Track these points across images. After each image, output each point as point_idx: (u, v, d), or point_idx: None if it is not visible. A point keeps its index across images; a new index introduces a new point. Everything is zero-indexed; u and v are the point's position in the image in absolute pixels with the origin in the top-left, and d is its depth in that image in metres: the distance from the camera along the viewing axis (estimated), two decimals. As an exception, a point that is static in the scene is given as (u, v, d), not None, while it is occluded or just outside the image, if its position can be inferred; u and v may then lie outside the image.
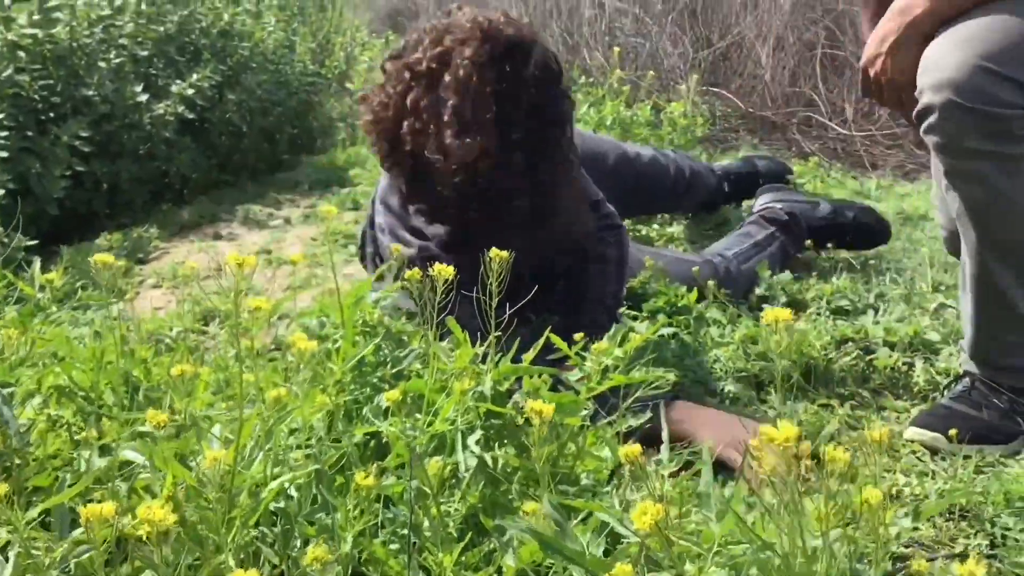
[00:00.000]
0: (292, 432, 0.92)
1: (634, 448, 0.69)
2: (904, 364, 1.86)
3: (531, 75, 1.68)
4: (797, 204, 2.46)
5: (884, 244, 2.46)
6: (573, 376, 1.01)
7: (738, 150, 3.50)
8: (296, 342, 0.88)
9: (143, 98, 2.98)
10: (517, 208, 1.68)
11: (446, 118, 1.62)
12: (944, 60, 1.38)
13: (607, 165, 2.30)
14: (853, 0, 4.29)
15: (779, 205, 2.44)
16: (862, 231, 2.43)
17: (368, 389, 0.98)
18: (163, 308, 2.29)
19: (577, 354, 1.06)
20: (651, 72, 3.46)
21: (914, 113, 1.43)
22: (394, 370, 0.99)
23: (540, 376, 0.99)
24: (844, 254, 2.46)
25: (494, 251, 1.04)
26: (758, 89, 4.09)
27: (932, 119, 1.39)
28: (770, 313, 0.77)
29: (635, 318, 2.02)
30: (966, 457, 1.49)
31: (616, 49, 3.60)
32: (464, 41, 1.66)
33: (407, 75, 1.69)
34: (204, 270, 2.54)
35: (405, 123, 1.68)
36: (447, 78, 1.64)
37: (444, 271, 1.01)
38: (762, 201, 2.51)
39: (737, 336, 1.88)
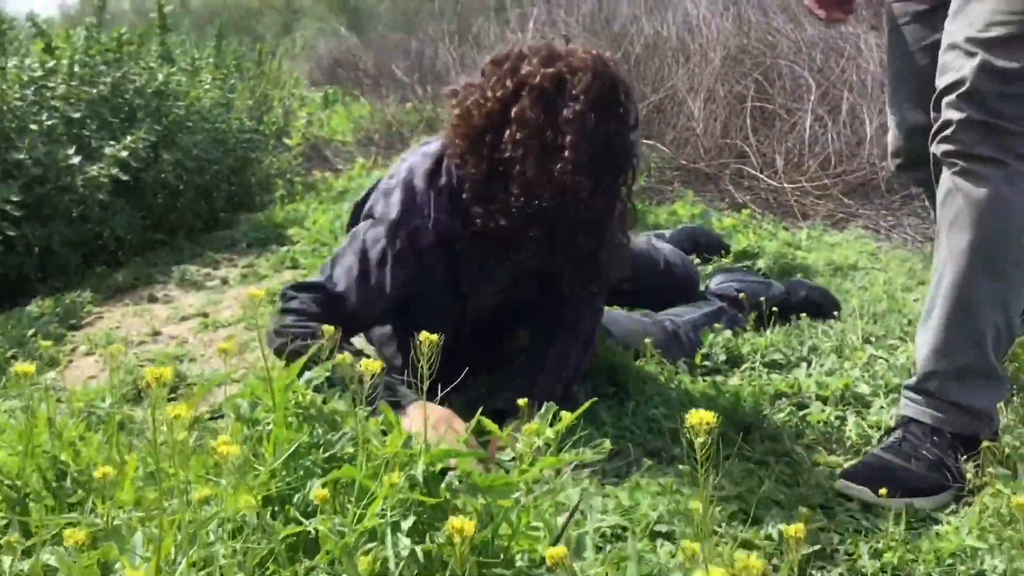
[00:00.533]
0: (221, 523, 0.91)
1: (559, 550, 0.70)
2: (836, 418, 1.90)
3: (631, 117, 1.76)
4: (750, 284, 2.52)
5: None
6: (506, 456, 1.02)
7: (673, 202, 3.56)
8: (220, 446, 0.87)
9: (76, 160, 2.95)
10: (576, 244, 1.75)
11: (566, 153, 1.67)
12: (961, 69, 1.54)
13: None
14: (780, 54, 4.43)
15: (734, 284, 2.49)
16: (813, 309, 2.48)
17: (301, 474, 0.98)
18: (96, 376, 2.25)
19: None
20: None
21: (934, 128, 1.59)
22: (326, 454, 0.99)
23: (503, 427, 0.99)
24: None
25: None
26: (691, 141, 4.18)
27: (949, 131, 1.55)
28: (694, 415, 0.78)
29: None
30: (897, 513, 1.52)
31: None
32: (577, 70, 1.71)
33: (512, 84, 1.72)
34: (138, 335, 2.50)
35: (507, 131, 1.70)
36: (566, 112, 1.68)
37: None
38: (716, 281, 2.57)
39: (674, 395, 1.90)
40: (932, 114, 1.62)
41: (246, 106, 3.99)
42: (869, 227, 3.52)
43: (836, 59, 4.48)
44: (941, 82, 1.59)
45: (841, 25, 2.02)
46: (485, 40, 6.02)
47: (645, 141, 4.02)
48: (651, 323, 2.24)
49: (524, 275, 1.90)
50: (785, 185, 3.67)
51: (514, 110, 1.70)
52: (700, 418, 0.74)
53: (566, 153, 1.67)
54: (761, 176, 3.74)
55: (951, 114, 1.55)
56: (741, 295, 2.44)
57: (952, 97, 1.55)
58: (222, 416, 1.93)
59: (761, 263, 2.89)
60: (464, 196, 1.77)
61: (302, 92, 5.94)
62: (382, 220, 1.78)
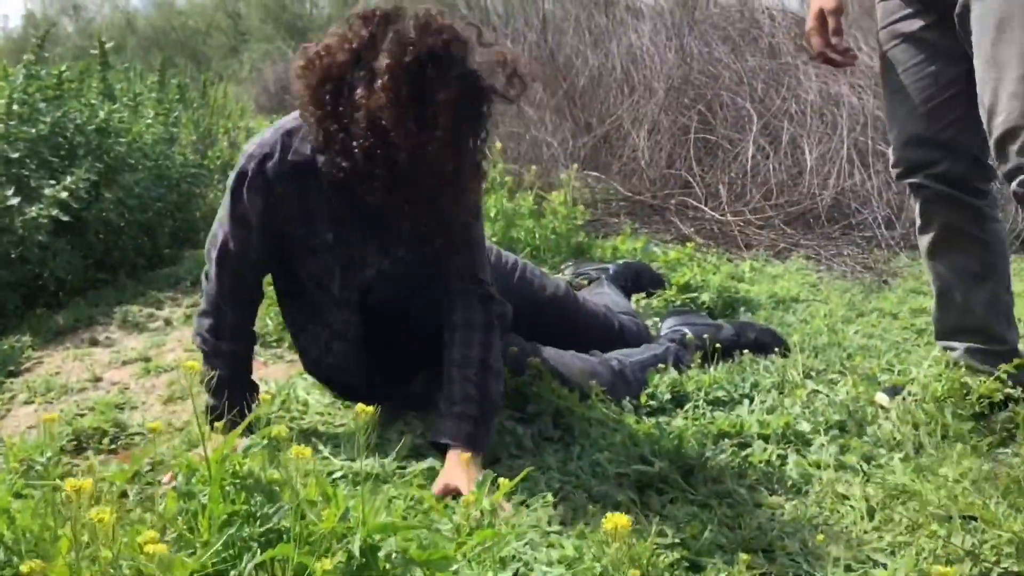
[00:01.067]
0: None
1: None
2: (778, 457, 1.93)
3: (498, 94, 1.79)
4: (701, 327, 2.54)
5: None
6: (444, 526, 1.02)
7: (619, 234, 3.60)
8: (147, 545, 0.85)
9: (15, 201, 2.90)
10: (418, 186, 1.78)
11: (437, 132, 1.70)
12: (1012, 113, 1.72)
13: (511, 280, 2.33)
14: (722, 85, 4.51)
15: (684, 328, 2.52)
16: (762, 350, 2.52)
17: (236, 548, 0.97)
18: (35, 427, 2.20)
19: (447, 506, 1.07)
20: (533, 167, 3.53)
21: (1003, 174, 1.78)
22: (263, 528, 0.98)
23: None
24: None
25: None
26: (637, 172, 4.23)
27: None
28: (609, 519, 0.80)
29: (520, 419, 2.05)
30: (836, 558, 1.54)
31: (498, 144, 3.68)
32: (455, 44, 1.75)
33: (380, 38, 1.75)
34: (79, 381, 2.46)
35: (361, 79, 1.73)
36: (441, 92, 1.70)
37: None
38: (668, 324, 2.60)
39: (619, 439, 1.91)
40: (994, 153, 1.79)
41: (190, 140, 3.95)
42: (811, 256, 3.59)
43: (777, 89, 4.57)
44: (997, 123, 1.75)
45: (848, 67, 2.27)
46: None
47: (592, 173, 4.07)
48: (598, 362, 2.26)
49: (394, 236, 1.95)
50: (728, 217, 3.72)
51: (385, 63, 1.71)
52: (615, 523, 0.74)
53: (437, 132, 1.70)
54: (705, 208, 3.79)
55: (1020, 161, 1.73)
56: (688, 335, 2.47)
57: (1016, 146, 1.72)
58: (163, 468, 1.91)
59: (705, 297, 2.93)
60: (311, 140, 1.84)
61: (248, 123, 5.88)
62: (240, 157, 1.93)
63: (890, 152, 2.16)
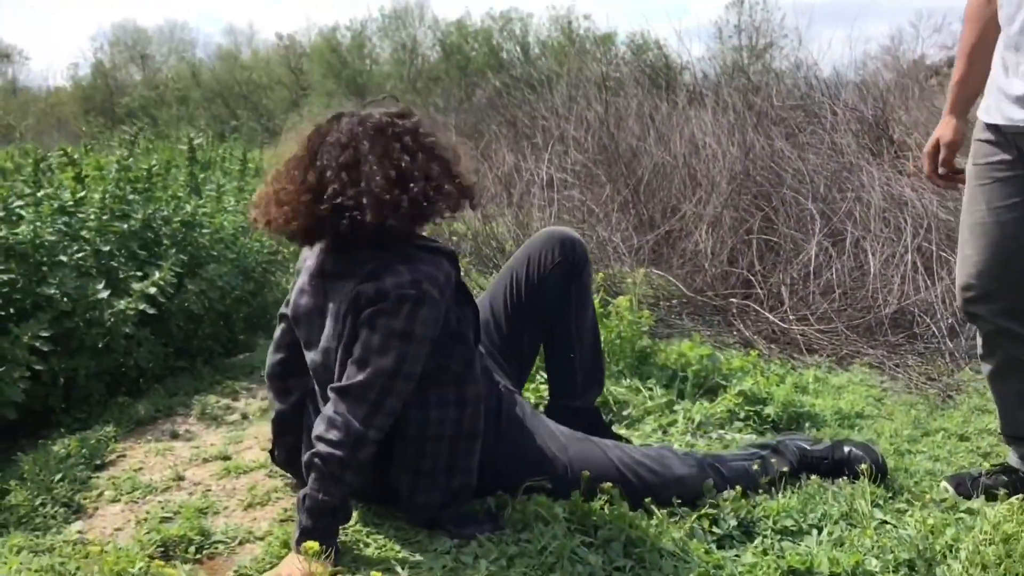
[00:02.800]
0: None
1: None
2: (850, 601, 1.95)
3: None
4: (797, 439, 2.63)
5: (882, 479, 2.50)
6: None
7: (682, 337, 3.65)
8: None
9: (105, 295, 3.03)
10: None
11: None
12: None
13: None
14: (784, 182, 4.56)
15: (785, 438, 2.64)
16: (853, 464, 2.50)
17: None
18: (123, 528, 2.29)
19: None
20: (600, 274, 3.61)
21: None
22: None
23: None
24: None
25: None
26: (699, 270, 4.28)
27: None
28: None
29: (591, 544, 2.09)
30: None
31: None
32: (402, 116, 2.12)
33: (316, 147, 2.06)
34: (162, 479, 2.55)
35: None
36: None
37: None
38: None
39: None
40: None
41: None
42: (874, 365, 3.60)
43: (840, 188, 4.61)
44: None
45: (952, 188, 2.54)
46: (494, 151, 6.17)
47: (655, 271, 4.13)
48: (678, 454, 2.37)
49: None
50: (792, 327, 3.75)
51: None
52: None
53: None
54: (769, 316, 3.83)
55: None
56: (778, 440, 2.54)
57: None
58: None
59: (770, 410, 2.96)
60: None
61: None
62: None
63: (957, 275, 2.33)
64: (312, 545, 1.87)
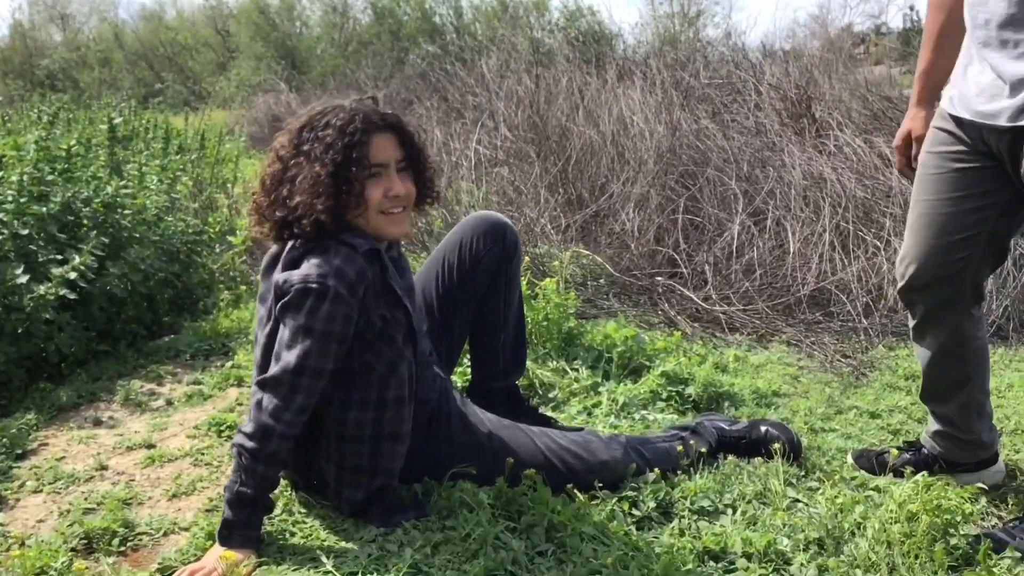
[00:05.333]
0: None
1: None
2: (760, 578, 2.04)
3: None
4: (716, 419, 2.71)
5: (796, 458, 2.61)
6: None
7: (608, 317, 3.71)
8: None
9: (24, 280, 2.98)
10: None
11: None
12: None
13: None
14: (708, 162, 4.65)
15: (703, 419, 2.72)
16: (767, 443, 2.60)
17: None
18: (45, 520, 2.28)
19: None
20: (527, 258, 3.65)
21: None
22: None
23: None
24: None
25: None
26: (627, 249, 4.35)
27: None
28: None
29: (514, 530, 2.14)
30: None
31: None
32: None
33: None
34: (85, 469, 2.53)
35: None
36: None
37: None
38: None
39: (610, 559, 2.01)
40: None
41: (191, 207, 4.04)
42: (792, 343, 3.71)
43: (763, 167, 4.71)
44: None
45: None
46: (425, 127, 6.15)
47: (583, 251, 4.18)
48: (603, 439, 2.46)
49: None
50: (715, 307, 3.84)
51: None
52: None
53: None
54: (693, 297, 3.92)
55: None
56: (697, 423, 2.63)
57: None
58: (172, 572, 1.99)
59: (691, 390, 3.05)
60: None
61: (244, 174, 5.96)
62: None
63: (900, 260, 2.36)
64: (229, 555, 1.90)
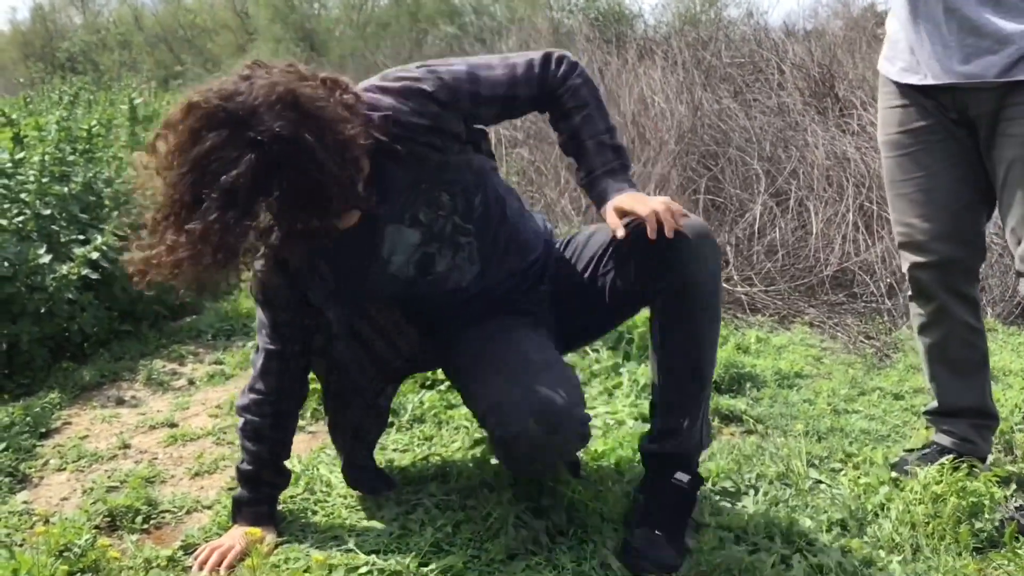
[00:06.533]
0: None
1: None
2: (782, 560, 2.02)
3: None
4: None
5: None
6: None
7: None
8: None
9: (46, 259, 2.99)
10: None
11: None
12: None
13: None
14: (731, 142, 4.60)
15: None
16: None
17: None
18: (69, 498, 2.29)
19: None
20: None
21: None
22: None
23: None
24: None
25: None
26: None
27: None
28: None
29: (535, 510, 2.13)
30: None
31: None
32: None
33: None
34: (108, 448, 2.55)
35: None
36: None
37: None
38: None
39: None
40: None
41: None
42: (814, 324, 3.68)
43: (785, 148, 4.67)
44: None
45: None
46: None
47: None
48: None
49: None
50: (737, 288, 3.82)
51: None
52: None
53: None
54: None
55: None
56: None
57: None
58: (194, 550, 2.00)
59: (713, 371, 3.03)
60: None
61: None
62: None
63: (908, 251, 2.29)
64: (255, 531, 1.91)
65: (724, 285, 3.86)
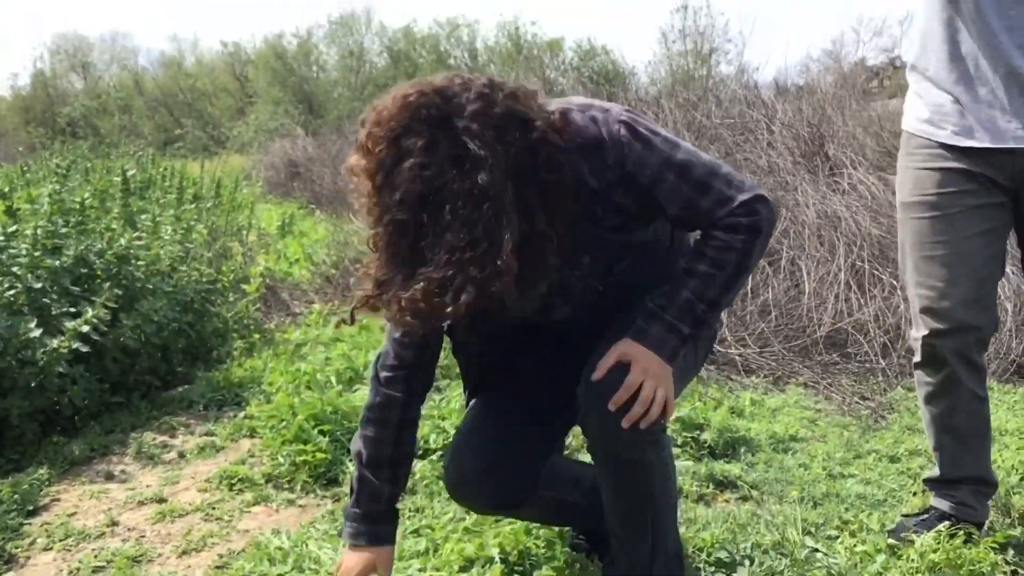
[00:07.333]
0: None
1: None
2: (779, 635, 1.99)
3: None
4: None
5: None
6: None
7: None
8: None
9: (36, 333, 2.99)
10: None
11: None
12: None
13: None
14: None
15: None
16: None
17: None
18: (55, 579, 2.26)
19: None
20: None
21: None
22: None
23: None
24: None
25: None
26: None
27: None
28: None
29: (527, 585, 2.10)
30: None
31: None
32: None
33: None
34: (96, 525, 2.52)
35: None
36: None
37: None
38: None
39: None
40: None
41: (205, 256, 4.06)
42: (809, 385, 3.67)
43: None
44: None
45: None
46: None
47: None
48: None
49: None
50: (730, 349, 3.81)
51: None
52: None
53: None
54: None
55: None
56: None
57: None
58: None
59: (707, 436, 3.01)
60: None
61: (260, 222, 6.00)
62: None
63: (928, 316, 2.20)
64: None
65: (718, 347, 3.85)
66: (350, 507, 1.86)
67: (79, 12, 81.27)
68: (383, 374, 1.86)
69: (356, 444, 1.88)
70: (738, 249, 1.65)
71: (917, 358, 2.28)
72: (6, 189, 3.37)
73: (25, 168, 6.98)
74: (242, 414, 3.30)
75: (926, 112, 2.19)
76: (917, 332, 2.25)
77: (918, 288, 2.22)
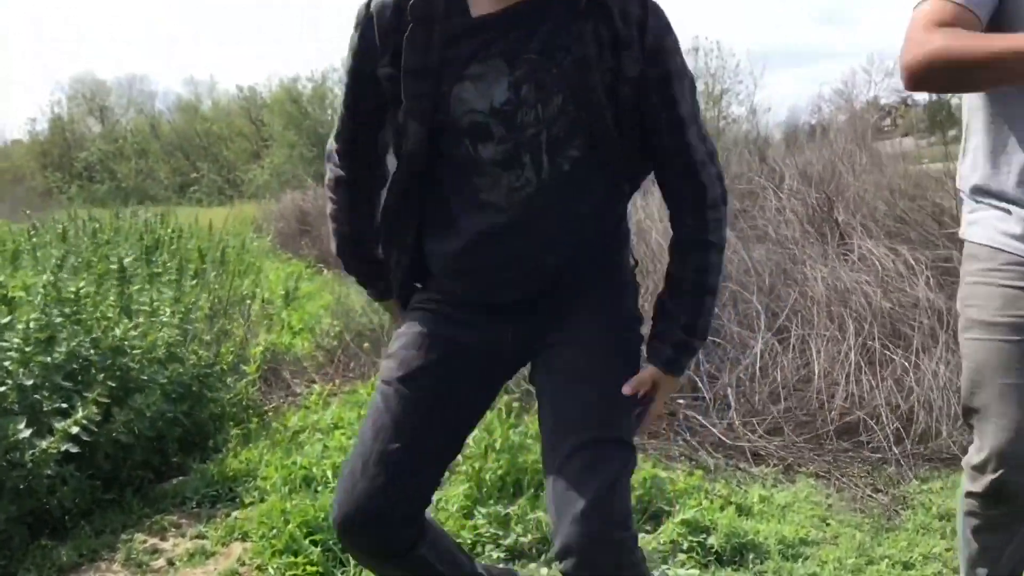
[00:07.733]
0: None
1: None
2: None
3: None
4: None
5: None
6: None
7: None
8: None
9: (26, 435, 2.92)
10: None
11: None
12: None
13: None
14: (729, 276, 4.55)
15: None
16: None
17: None
18: None
19: None
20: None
21: None
22: None
23: None
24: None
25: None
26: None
27: None
28: None
29: None
30: None
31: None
32: None
33: None
34: (79, 648, 2.44)
35: None
36: None
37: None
38: None
39: None
40: None
41: (203, 339, 4.00)
42: (820, 475, 3.56)
43: (784, 281, 4.61)
44: None
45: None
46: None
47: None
48: None
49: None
50: (741, 441, 3.72)
51: None
52: None
53: None
54: (713, 431, 3.79)
55: None
56: None
57: None
58: None
59: (712, 540, 2.91)
60: None
61: (265, 292, 5.95)
62: None
63: (1006, 449, 1.95)
64: None
65: (724, 437, 3.76)
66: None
67: (97, 56, 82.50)
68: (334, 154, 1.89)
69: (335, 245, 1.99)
70: (718, 265, 1.84)
71: (974, 488, 2.04)
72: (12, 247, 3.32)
73: (32, 231, 6.97)
74: (235, 513, 3.21)
75: (1006, 225, 1.94)
76: (983, 463, 1.99)
77: (1000, 418, 1.96)
